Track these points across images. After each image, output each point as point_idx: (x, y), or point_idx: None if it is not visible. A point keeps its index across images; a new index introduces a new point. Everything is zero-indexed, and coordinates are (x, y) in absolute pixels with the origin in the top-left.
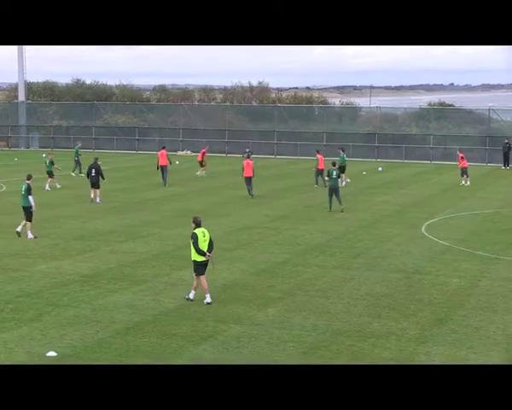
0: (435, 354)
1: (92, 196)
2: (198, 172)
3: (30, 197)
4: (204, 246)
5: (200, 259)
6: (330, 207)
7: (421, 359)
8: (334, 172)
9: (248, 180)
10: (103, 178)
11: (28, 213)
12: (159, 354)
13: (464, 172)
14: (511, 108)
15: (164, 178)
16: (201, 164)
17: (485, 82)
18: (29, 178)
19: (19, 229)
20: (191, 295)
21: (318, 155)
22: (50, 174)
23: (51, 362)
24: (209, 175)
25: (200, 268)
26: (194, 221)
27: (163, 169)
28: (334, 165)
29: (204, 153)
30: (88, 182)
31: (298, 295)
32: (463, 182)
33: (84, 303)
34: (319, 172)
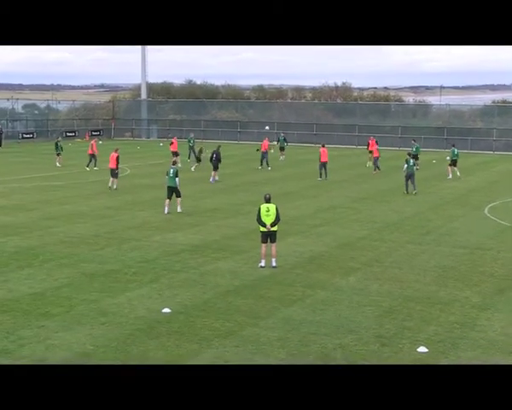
0: (495, 320)
1: (212, 177)
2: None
3: (177, 179)
4: (267, 219)
5: (262, 229)
6: (407, 190)
7: (483, 323)
8: (411, 161)
9: (322, 165)
10: (220, 162)
11: (177, 191)
12: (255, 314)
13: None
14: None
15: (265, 161)
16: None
17: None
18: (174, 163)
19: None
20: (262, 263)
21: (322, 149)
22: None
23: (166, 318)
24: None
25: (262, 237)
26: (264, 197)
27: (264, 155)
28: (409, 155)
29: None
30: (210, 165)
31: (375, 266)
32: None
33: (193, 269)
34: (322, 165)
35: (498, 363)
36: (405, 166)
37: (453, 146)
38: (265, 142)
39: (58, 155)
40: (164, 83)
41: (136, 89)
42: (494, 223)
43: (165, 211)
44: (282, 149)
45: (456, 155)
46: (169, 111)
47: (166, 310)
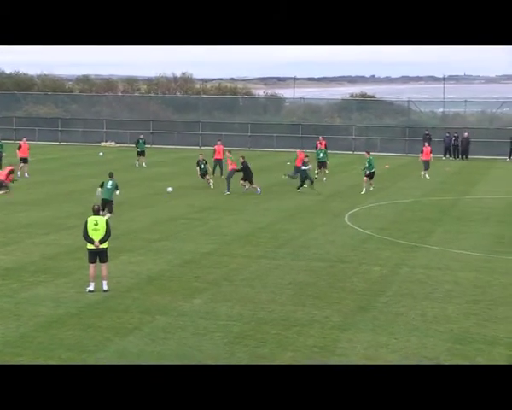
0: (357, 341)
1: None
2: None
3: (117, 192)
4: (95, 235)
5: (89, 246)
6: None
7: (344, 346)
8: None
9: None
10: None
11: (109, 206)
12: (83, 347)
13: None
14: (429, 100)
15: None
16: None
17: (405, 74)
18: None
19: None
20: (91, 287)
21: (217, 146)
22: None
23: None
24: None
25: (90, 256)
26: (92, 208)
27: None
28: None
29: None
30: None
31: (224, 285)
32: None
33: (6, 297)
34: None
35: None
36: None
37: (368, 154)
38: None
39: None
40: None
41: None
42: (355, 232)
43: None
44: (141, 153)
45: (324, 157)
46: None
47: None
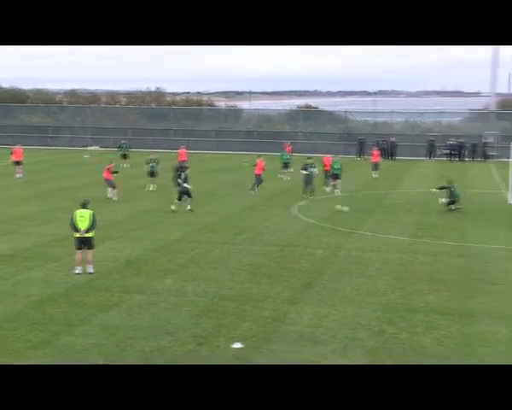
0: (304, 313)
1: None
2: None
3: None
4: (80, 224)
5: (76, 235)
6: (306, 192)
7: (293, 316)
8: (309, 168)
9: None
10: None
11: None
12: (70, 321)
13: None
14: (363, 111)
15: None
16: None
17: (343, 89)
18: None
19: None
20: (77, 270)
21: (180, 150)
22: None
23: None
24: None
25: (77, 244)
26: (81, 202)
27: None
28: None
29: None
30: None
31: (191, 267)
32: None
33: (4, 279)
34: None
35: (308, 352)
36: (304, 172)
37: (335, 157)
38: None
39: None
40: None
41: None
42: (302, 221)
43: None
44: (124, 156)
45: (339, 169)
46: None
47: None
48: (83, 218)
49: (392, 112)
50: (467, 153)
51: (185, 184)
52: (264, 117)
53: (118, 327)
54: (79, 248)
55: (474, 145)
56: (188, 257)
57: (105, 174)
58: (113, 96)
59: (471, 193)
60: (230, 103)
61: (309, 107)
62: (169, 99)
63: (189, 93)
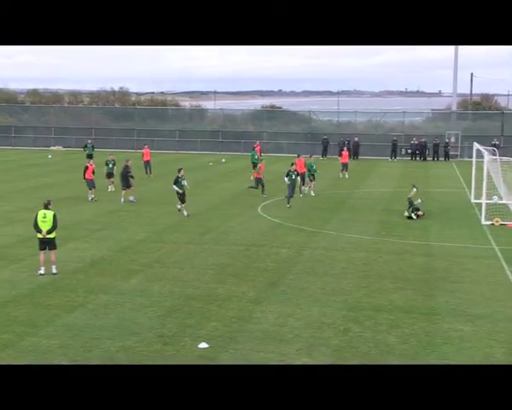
0: (269, 312)
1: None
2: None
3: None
4: (43, 226)
5: (38, 236)
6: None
7: (258, 316)
8: (293, 175)
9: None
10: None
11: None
12: (35, 322)
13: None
14: (327, 111)
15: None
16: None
17: (307, 89)
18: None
19: None
20: (41, 271)
21: (144, 149)
22: None
23: None
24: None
25: (40, 244)
26: (43, 203)
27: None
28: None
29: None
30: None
31: (156, 267)
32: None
33: None
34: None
35: (274, 352)
36: (286, 178)
37: (310, 157)
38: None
39: None
40: None
41: None
42: (266, 221)
43: None
44: (90, 156)
45: (315, 170)
46: None
47: None
48: (45, 219)
49: (356, 112)
50: (429, 152)
51: (175, 186)
52: (229, 117)
53: (83, 327)
54: (43, 249)
55: (437, 145)
56: (153, 257)
57: (86, 174)
58: (75, 95)
59: (434, 192)
60: (195, 103)
61: (273, 107)
62: (133, 99)
63: (153, 93)
